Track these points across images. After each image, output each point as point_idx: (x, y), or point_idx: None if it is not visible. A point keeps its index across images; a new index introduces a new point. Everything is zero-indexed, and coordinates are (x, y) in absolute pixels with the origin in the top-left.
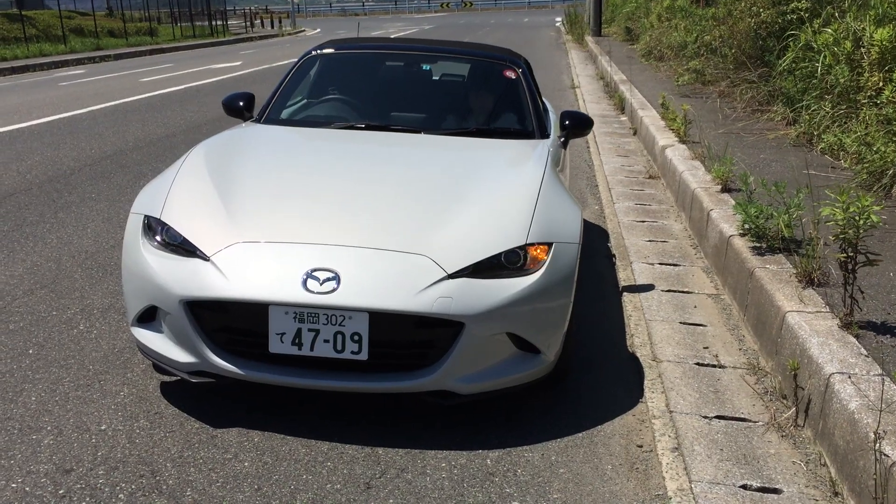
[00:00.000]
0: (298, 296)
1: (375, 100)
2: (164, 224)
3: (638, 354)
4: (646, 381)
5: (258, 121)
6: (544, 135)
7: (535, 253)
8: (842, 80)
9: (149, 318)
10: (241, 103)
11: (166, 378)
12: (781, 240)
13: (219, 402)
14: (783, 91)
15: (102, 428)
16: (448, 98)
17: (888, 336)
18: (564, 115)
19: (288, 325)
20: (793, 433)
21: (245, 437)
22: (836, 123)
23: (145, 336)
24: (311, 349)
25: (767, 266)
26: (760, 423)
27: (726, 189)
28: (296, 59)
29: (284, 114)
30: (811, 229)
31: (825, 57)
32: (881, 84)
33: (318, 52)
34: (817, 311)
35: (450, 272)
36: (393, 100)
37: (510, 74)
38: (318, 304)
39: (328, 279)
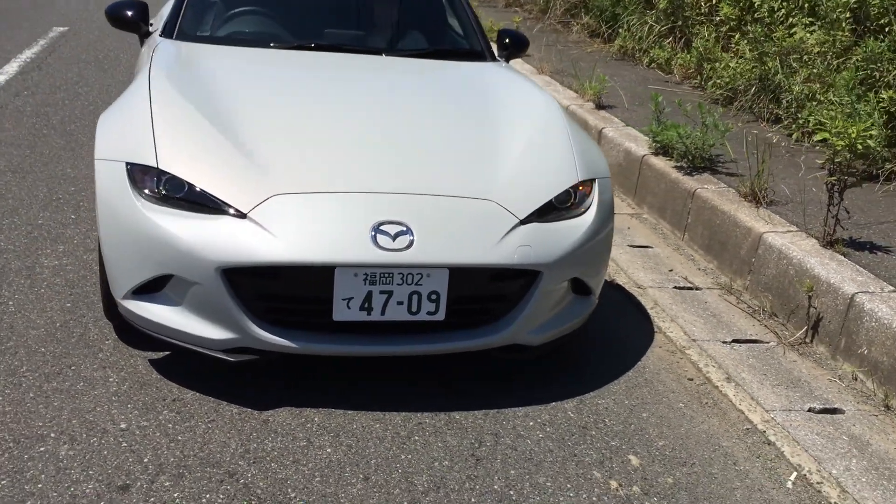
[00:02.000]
0: (370, 255)
1: (308, 13)
2: (166, 174)
3: (619, 283)
4: (647, 311)
5: (170, 36)
6: (493, 56)
7: (582, 190)
8: None
9: (152, 288)
10: (131, 13)
11: (153, 354)
12: (705, 159)
13: (237, 379)
14: (596, 5)
15: (123, 427)
16: (388, 13)
17: (869, 252)
18: (503, 34)
19: (357, 288)
20: (807, 351)
21: (302, 417)
22: (663, 39)
23: (150, 310)
24: (383, 313)
25: (706, 186)
26: (772, 343)
27: (600, 106)
28: None
29: (202, 29)
30: (739, 148)
31: None
32: (715, 2)
33: None
34: (789, 231)
35: (521, 218)
36: (327, 13)
37: None
38: (393, 262)
39: (400, 233)
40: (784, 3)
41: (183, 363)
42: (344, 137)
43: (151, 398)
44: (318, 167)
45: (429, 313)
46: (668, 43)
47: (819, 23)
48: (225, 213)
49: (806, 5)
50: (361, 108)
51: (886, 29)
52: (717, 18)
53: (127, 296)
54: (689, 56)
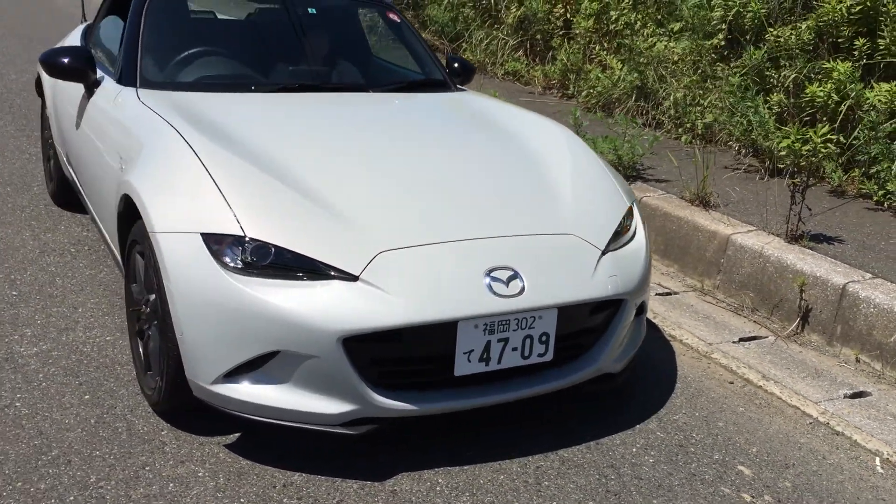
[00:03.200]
0: (491, 304)
1: (262, 54)
2: (254, 241)
3: None
4: (651, 320)
5: (133, 85)
6: (454, 84)
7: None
8: (517, 14)
9: (249, 368)
10: (76, 61)
11: (223, 438)
12: (635, 169)
13: (336, 452)
14: (436, 21)
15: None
16: (346, 47)
17: (828, 244)
18: (452, 60)
19: (477, 339)
20: (804, 341)
21: (426, 481)
22: (513, 52)
23: (249, 392)
24: (499, 362)
25: (648, 194)
26: (770, 337)
27: None
28: (131, 6)
29: (166, 76)
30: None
31: None
32: (568, 15)
33: None
34: (751, 231)
35: (601, 248)
36: (280, 52)
37: (395, 17)
38: (511, 309)
39: (511, 278)
40: (639, 17)
41: (266, 444)
42: (416, 184)
43: (260, 487)
44: (411, 218)
45: (539, 355)
46: (520, 56)
47: (688, 33)
48: (333, 277)
49: (659, 17)
50: (409, 153)
51: (758, 38)
52: (575, 32)
53: (218, 380)
54: (552, 68)
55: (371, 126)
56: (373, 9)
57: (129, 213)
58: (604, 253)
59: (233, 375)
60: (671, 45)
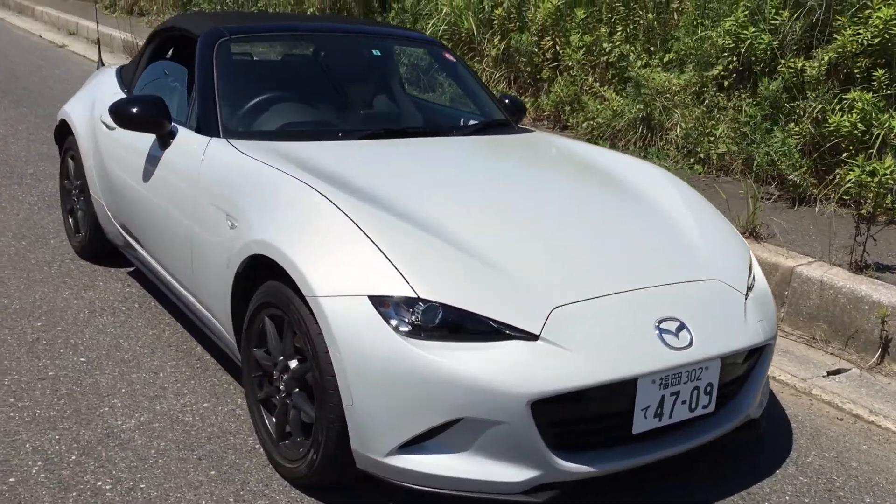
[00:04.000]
0: (667, 358)
1: (342, 96)
2: (427, 302)
3: None
4: None
5: (216, 135)
6: (514, 123)
7: None
8: (501, 46)
9: (425, 437)
10: (156, 112)
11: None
12: None
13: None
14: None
15: None
16: (396, 90)
17: (892, 273)
18: (503, 98)
19: (653, 395)
20: (889, 371)
21: None
22: (499, 85)
23: (426, 463)
24: (671, 416)
25: None
26: (854, 369)
27: None
28: (198, 52)
29: (246, 125)
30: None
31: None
32: (557, 48)
33: (222, 41)
34: (812, 262)
35: (743, 292)
36: (361, 94)
37: (450, 57)
38: (683, 362)
39: (679, 329)
40: (632, 49)
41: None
42: (561, 234)
43: None
44: (573, 270)
45: (703, 407)
46: (504, 88)
47: (692, 65)
48: (512, 337)
49: (651, 49)
50: (537, 201)
51: (770, 69)
52: (567, 64)
53: (392, 452)
54: (545, 100)
55: (486, 173)
56: (428, 48)
57: (253, 275)
58: (747, 296)
59: (408, 446)
60: (670, 76)
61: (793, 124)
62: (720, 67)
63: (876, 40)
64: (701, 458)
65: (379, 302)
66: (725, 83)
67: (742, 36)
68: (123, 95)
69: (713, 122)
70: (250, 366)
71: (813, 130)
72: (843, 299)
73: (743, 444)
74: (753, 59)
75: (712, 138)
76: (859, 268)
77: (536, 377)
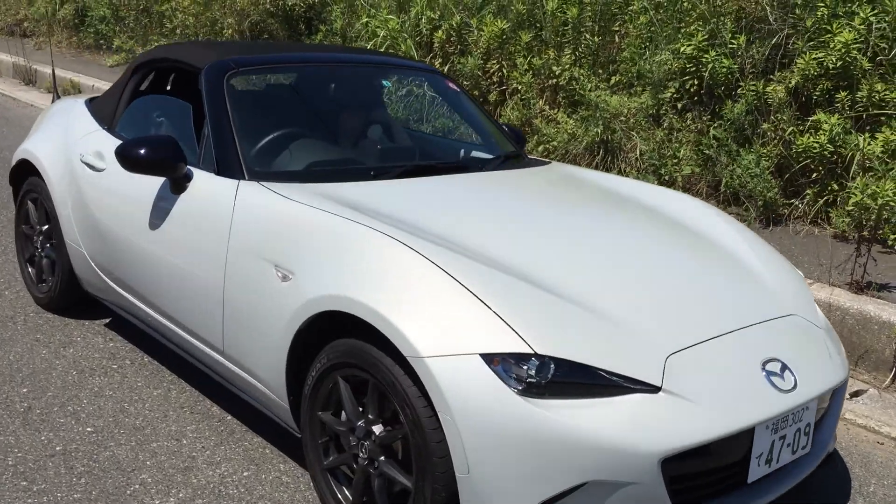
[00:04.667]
0: (779, 402)
1: (360, 130)
2: (542, 357)
3: None
4: None
5: (240, 177)
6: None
7: None
8: (444, 70)
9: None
10: (171, 154)
11: None
12: None
13: None
14: None
15: None
16: (440, 120)
17: (888, 292)
18: (502, 127)
19: (766, 441)
20: None
21: None
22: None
23: None
24: (777, 461)
25: None
26: (872, 389)
27: None
28: (205, 86)
29: (268, 163)
30: None
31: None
32: (503, 71)
33: (230, 74)
34: (812, 283)
35: (820, 326)
36: (376, 129)
37: (453, 86)
38: (793, 405)
39: (782, 369)
40: (581, 72)
41: None
42: (645, 275)
43: None
44: (672, 313)
45: (802, 448)
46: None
47: (648, 88)
48: (633, 390)
49: (600, 71)
50: (608, 240)
51: (730, 92)
52: (515, 87)
53: None
54: None
55: (548, 212)
56: (429, 77)
57: (314, 331)
58: (823, 330)
59: None
60: (623, 98)
61: (759, 146)
62: (672, 90)
63: (839, 63)
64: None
65: (489, 359)
66: (679, 105)
67: (704, 59)
68: (104, 133)
69: (677, 145)
70: (315, 431)
71: (784, 152)
72: (851, 320)
73: (816, 478)
74: (712, 82)
75: (675, 161)
76: (860, 287)
77: (665, 433)
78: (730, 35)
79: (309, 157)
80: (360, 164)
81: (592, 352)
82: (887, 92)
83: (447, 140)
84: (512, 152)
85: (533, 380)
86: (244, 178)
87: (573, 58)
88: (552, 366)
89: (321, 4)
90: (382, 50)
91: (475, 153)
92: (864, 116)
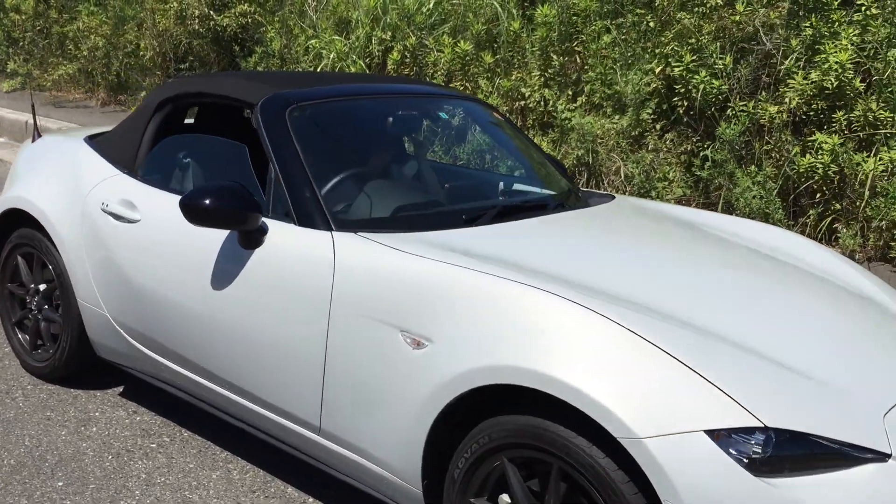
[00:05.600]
0: None
1: (429, 169)
2: (770, 430)
3: None
4: None
5: (321, 227)
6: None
7: None
8: None
9: None
10: (246, 205)
11: None
12: None
13: None
14: None
15: None
16: (489, 154)
17: None
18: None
19: None
20: None
21: None
22: None
23: None
24: None
25: None
26: None
27: None
28: (264, 124)
29: (351, 210)
30: None
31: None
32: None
33: (291, 110)
34: None
35: None
36: (441, 165)
37: (499, 115)
38: None
39: None
40: (552, 94)
41: None
42: (806, 326)
43: None
44: (862, 365)
45: None
46: None
47: (629, 109)
48: (863, 460)
49: (569, 93)
50: (762, 289)
51: (721, 113)
52: None
53: None
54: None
55: (667, 255)
56: (469, 106)
57: (459, 407)
58: None
59: None
60: (600, 119)
61: (767, 167)
62: (649, 110)
63: (835, 83)
64: None
65: (714, 436)
66: (659, 126)
67: (694, 80)
68: (127, 178)
69: (667, 167)
70: None
71: (789, 172)
72: None
73: None
74: (704, 102)
75: (666, 182)
76: None
77: None
78: (715, 55)
79: (389, 200)
80: (443, 206)
81: (812, 418)
82: (881, 111)
83: (506, 176)
84: (574, 187)
85: (758, 455)
86: (332, 229)
87: (542, 79)
88: (777, 437)
89: (254, 25)
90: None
91: (544, 189)
92: (862, 136)
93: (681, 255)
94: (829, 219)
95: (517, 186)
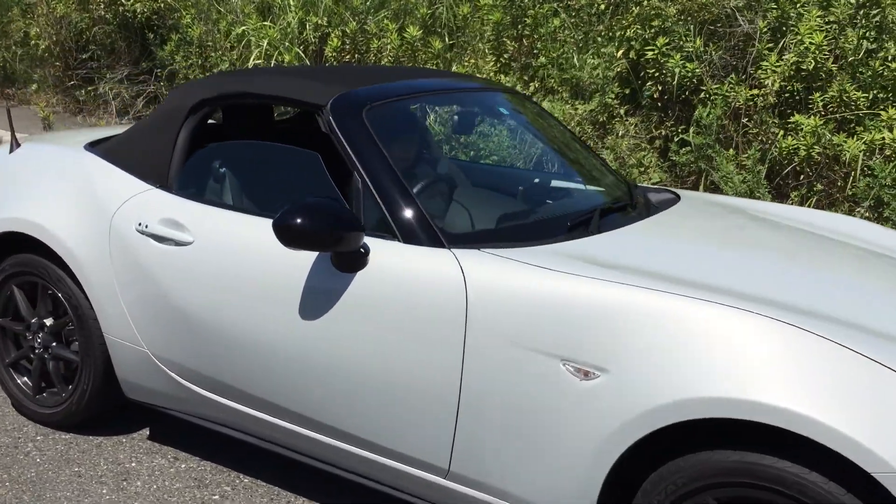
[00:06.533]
0: None
1: (510, 170)
2: None
3: None
4: None
5: (433, 243)
6: None
7: None
8: None
9: None
10: (350, 226)
11: None
12: None
13: None
14: None
15: None
16: (550, 149)
17: None
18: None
19: None
20: None
21: None
22: None
23: None
24: None
25: None
26: None
27: None
28: (341, 129)
29: (457, 223)
30: None
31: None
32: None
33: (368, 110)
34: None
35: None
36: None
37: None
38: None
39: None
40: (508, 79)
41: None
42: None
43: None
44: None
45: None
46: None
47: (589, 94)
48: None
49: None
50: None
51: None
52: None
53: None
54: None
55: (803, 261)
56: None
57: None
58: None
59: None
60: (566, 106)
61: (732, 150)
62: (612, 95)
63: (812, 66)
64: None
65: None
66: (623, 111)
67: (671, 64)
68: (165, 194)
69: (642, 153)
70: None
71: (776, 154)
72: None
73: None
74: (681, 86)
75: (642, 169)
76: None
77: None
78: (685, 39)
79: (483, 209)
80: (539, 213)
81: None
82: (854, 92)
83: (567, 176)
84: (631, 184)
85: None
86: (446, 246)
87: (498, 65)
88: None
89: (167, 10)
90: (261, 62)
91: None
92: (838, 118)
93: (810, 259)
94: (813, 200)
95: (588, 187)
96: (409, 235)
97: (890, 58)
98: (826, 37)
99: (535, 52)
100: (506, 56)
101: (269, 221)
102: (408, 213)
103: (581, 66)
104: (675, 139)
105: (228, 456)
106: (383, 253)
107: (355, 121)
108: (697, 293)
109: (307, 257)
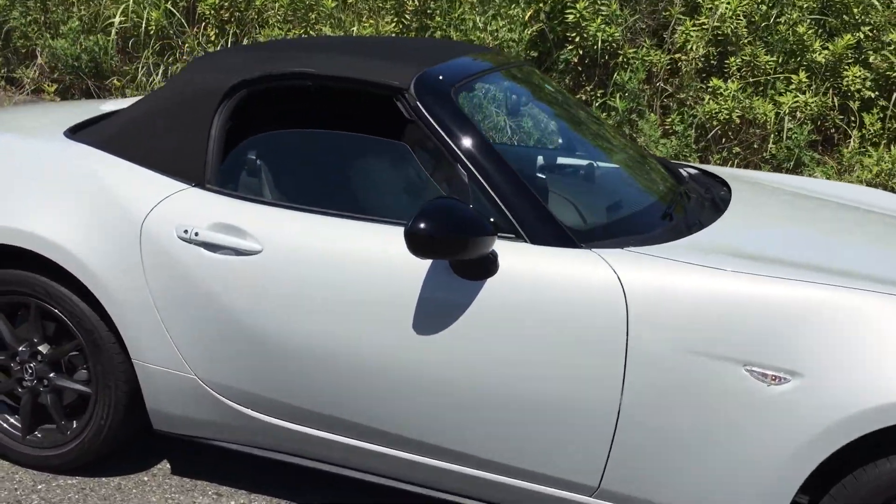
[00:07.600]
0: None
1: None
2: None
3: None
4: None
5: (563, 243)
6: None
7: None
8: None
9: None
10: (480, 227)
11: None
12: None
13: None
14: None
15: None
16: (574, 128)
17: None
18: None
19: None
20: None
21: None
22: None
23: None
24: None
25: None
26: None
27: None
28: (433, 116)
29: (575, 219)
30: None
31: None
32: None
33: (455, 91)
34: None
35: None
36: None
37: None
38: None
39: None
40: None
41: None
42: None
43: None
44: None
45: None
46: None
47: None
48: None
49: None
50: None
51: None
52: None
53: None
54: None
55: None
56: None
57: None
58: None
59: None
60: None
61: (654, 115)
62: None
63: (727, 31)
64: None
65: None
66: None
67: (589, 27)
68: (199, 191)
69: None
70: None
71: (701, 117)
72: None
73: None
74: (603, 51)
75: None
76: None
77: None
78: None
79: (586, 200)
80: (639, 203)
81: None
82: (764, 57)
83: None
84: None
85: None
86: (579, 245)
87: (399, 27)
88: None
89: None
90: (125, 20)
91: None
92: (750, 81)
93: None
94: (734, 163)
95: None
96: (536, 235)
97: (793, 23)
98: (740, 2)
99: (428, 11)
100: (407, 16)
101: (363, 225)
102: (532, 211)
103: (484, 27)
104: (596, 104)
105: (273, 482)
106: (514, 257)
107: (447, 104)
108: (880, 287)
109: (418, 265)
